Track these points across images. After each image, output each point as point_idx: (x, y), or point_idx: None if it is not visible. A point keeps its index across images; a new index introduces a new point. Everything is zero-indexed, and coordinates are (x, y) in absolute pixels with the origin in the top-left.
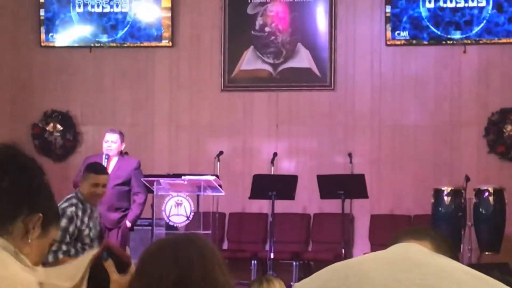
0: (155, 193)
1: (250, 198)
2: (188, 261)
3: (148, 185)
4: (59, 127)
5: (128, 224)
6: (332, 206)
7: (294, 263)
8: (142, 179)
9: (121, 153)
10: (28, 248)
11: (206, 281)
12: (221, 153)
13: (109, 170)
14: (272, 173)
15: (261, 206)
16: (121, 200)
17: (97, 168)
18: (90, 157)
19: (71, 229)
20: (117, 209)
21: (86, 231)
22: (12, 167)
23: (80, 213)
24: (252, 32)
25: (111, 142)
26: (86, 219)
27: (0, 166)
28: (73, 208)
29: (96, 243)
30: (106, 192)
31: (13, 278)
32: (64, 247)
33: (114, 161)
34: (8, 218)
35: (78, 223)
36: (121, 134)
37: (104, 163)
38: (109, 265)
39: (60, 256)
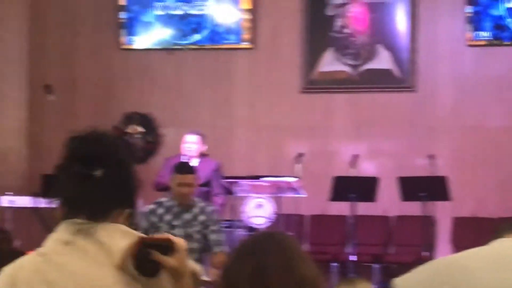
0: (235, 194)
1: (330, 200)
2: (264, 251)
3: (228, 187)
4: (139, 129)
5: None
6: (413, 208)
7: (375, 266)
8: (222, 180)
9: (202, 155)
10: None
11: (286, 271)
12: (301, 155)
13: None
14: (352, 175)
15: (341, 208)
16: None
17: (180, 168)
18: (170, 158)
19: (144, 225)
20: None
21: (165, 228)
22: (107, 161)
23: (161, 211)
24: (332, 33)
25: (191, 143)
26: (168, 217)
27: (94, 160)
28: (152, 205)
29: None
30: None
31: None
32: None
33: (194, 162)
34: (105, 210)
35: (154, 219)
36: (201, 135)
37: None
38: (157, 257)
39: None
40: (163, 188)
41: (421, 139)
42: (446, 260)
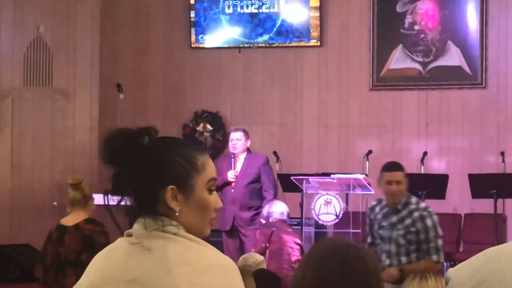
0: (304, 191)
1: None
2: (327, 267)
3: (298, 184)
4: (209, 127)
5: (263, 222)
6: (483, 206)
7: (445, 264)
8: (271, 174)
9: (248, 151)
10: (183, 218)
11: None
12: (370, 152)
13: (237, 169)
14: (422, 172)
15: None
16: (253, 199)
17: (388, 166)
18: (219, 159)
19: (367, 220)
20: (250, 207)
21: (376, 227)
22: (124, 156)
23: (377, 209)
24: (401, 30)
25: (236, 140)
26: (379, 216)
27: (117, 159)
28: (373, 202)
29: (388, 243)
30: (241, 191)
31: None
32: (369, 239)
33: (241, 159)
34: (149, 205)
35: (372, 216)
36: (245, 132)
37: (231, 162)
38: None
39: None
40: None
41: (492, 136)
42: (496, 249)
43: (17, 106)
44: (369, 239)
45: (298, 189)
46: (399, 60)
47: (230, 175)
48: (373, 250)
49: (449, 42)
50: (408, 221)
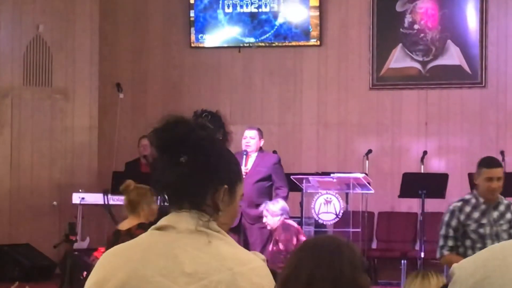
0: (304, 191)
1: (399, 196)
2: (319, 262)
3: (297, 183)
4: (208, 126)
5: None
6: None
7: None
8: (283, 173)
9: (261, 149)
10: (222, 218)
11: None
12: (369, 151)
13: (248, 166)
14: (422, 171)
15: (411, 205)
16: (262, 196)
17: (488, 162)
18: None
19: (453, 223)
20: (257, 205)
21: (473, 227)
22: (188, 145)
23: (468, 209)
24: (401, 29)
25: (249, 138)
26: (476, 215)
27: (176, 147)
28: (458, 203)
29: (490, 239)
30: (250, 188)
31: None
32: (450, 243)
33: (253, 157)
34: (199, 198)
35: (462, 217)
36: (259, 131)
37: (243, 160)
38: None
39: (445, 252)
40: None
41: (491, 135)
42: (500, 245)
43: (16, 105)
44: (450, 243)
45: (298, 188)
46: (399, 59)
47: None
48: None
49: (449, 41)
50: (509, 216)
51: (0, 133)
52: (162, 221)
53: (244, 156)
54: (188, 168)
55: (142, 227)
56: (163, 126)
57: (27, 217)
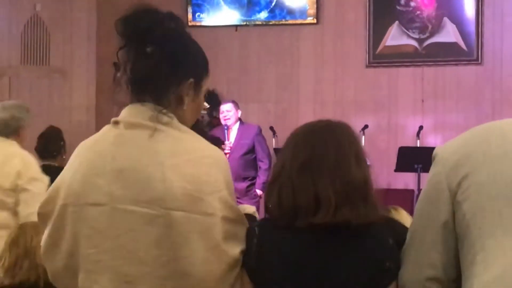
0: None
1: (395, 170)
2: (320, 143)
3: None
4: (205, 104)
5: (259, 192)
6: None
7: None
8: (265, 144)
9: (240, 121)
10: (183, 114)
11: (337, 168)
12: (366, 126)
13: (231, 140)
14: (418, 146)
15: (407, 182)
16: (248, 169)
17: None
18: (211, 131)
19: None
20: (245, 178)
21: None
22: (155, 36)
23: None
24: (397, 7)
25: (226, 112)
26: None
27: (143, 37)
28: None
29: None
30: (236, 162)
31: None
32: None
33: (234, 130)
34: (163, 91)
35: None
36: (234, 102)
37: (225, 134)
38: None
39: None
40: None
41: (487, 111)
42: (484, 125)
43: (14, 84)
44: None
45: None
46: (395, 37)
47: (225, 147)
48: None
49: (445, 18)
50: None
51: None
52: (120, 115)
53: (226, 131)
54: (153, 59)
55: None
56: (132, 14)
57: None
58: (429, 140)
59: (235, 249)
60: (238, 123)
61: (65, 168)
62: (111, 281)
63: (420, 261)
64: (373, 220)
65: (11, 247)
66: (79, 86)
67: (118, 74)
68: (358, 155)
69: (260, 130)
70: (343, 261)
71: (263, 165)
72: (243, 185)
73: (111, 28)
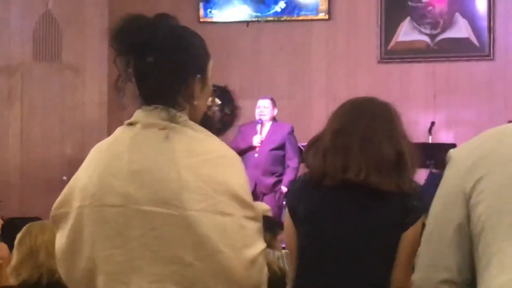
0: None
1: None
2: (355, 115)
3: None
4: (217, 101)
5: (284, 189)
6: None
7: None
8: (296, 143)
9: (274, 119)
10: (195, 107)
11: (391, 140)
12: None
13: (263, 135)
14: (430, 142)
15: (418, 177)
16: (276, 165)
17: None
18: (243, 125)
19: None
20: (272, 173)
21: None
22: (154, 47)
23: None
24: (409, 2)
25: (263, 108)
26: None
27: (142, 50)
28: None
29: None
30: (264, 156)
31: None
32: None
33: (267, 126)
34: (173, 96)
35: None
36: (273, 100)
37: (258, 129)
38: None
39: None
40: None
41: (499, 107)
42: (495, 129)
43: (26, 81)
44: None
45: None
46: (407, 32)
47: (256, 140)
48: None
49: (457, 14)
50: None
51: (11, 108)
52: (134, 116)
53: (259, 125)
54: (156, 67)
55: None
56: (123, 29)
57: (38, 191)
58: (441, 136)
59: (255, 249)
60: (272, 121)
61: (79, 170)
62: (138, 280)
63: (435, 264)
64: (402, 190)
65: (18, 247)
66: (91, 82)
67: (119, 82)
68: (391, 131)
69: (293, 130)
70: (366, 208)
71: (291, 163)
72: (271, 180)
73: None
